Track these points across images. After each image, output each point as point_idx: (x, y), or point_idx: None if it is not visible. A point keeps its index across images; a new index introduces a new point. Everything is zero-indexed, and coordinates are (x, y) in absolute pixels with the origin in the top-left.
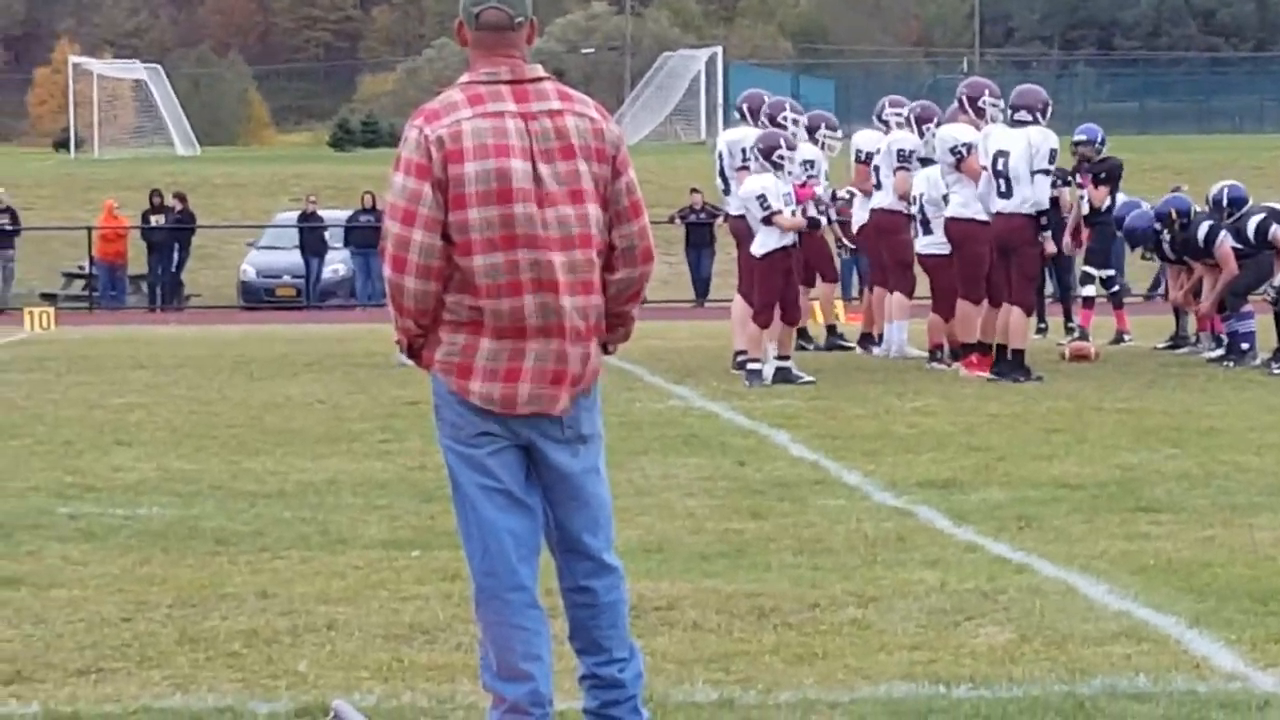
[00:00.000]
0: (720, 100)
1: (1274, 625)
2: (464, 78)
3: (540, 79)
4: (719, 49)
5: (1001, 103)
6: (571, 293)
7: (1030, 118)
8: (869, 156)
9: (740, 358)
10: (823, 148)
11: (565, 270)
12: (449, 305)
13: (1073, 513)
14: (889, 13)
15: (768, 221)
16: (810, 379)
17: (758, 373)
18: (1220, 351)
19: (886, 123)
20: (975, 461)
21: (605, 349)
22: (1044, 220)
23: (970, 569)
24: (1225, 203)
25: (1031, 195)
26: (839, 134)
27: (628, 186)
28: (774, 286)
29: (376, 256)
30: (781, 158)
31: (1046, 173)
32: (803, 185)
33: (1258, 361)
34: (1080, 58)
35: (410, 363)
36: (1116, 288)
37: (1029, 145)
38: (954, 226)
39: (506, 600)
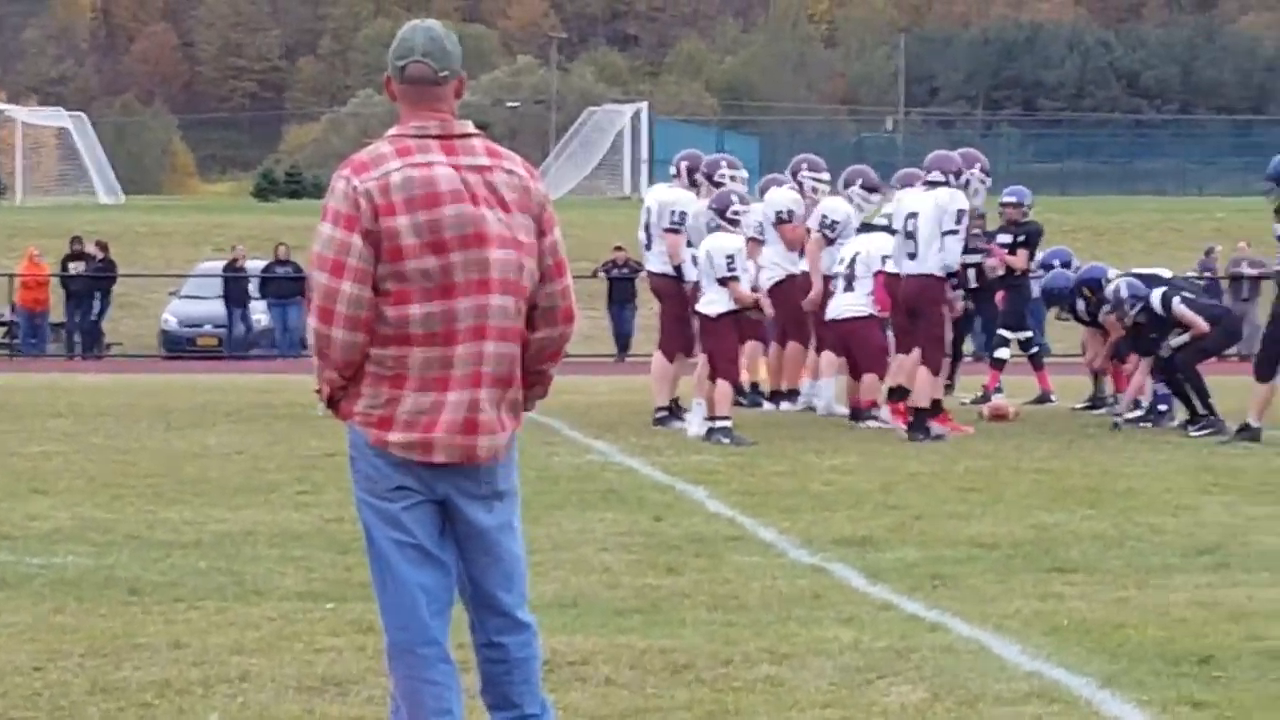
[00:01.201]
0: (645, 155)
1: (1186, 687)
2: (392, 130)
3: (469, 134)
4: (644, 104)
5: (825, 175)
6: (503, 339)
7: (943, 179)
8: (790, 215)
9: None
10: (804, 190)
11: (496, 316)
12: (373, 357)
13: (987, 572)
14: (814, 70)
15: (724, 283)
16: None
17: (727, 430)
18: (1140, 412)
19: (801, 184)
20: (891, 520)
21: (524, 405)
22: (953, 281)
23: (884, 627)
24: (1125, 295)
25: (939, 258)
26: (823, 176)
27: (552, 246)
28: (732, 343)
29: (293, 307)
30: (736, 213)
31: (955, 234)
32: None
33: (1175, 423)
34: (1005, 118)
35: (329, 413)
36: (1035, 349)
37: (937, 207)
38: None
39: (418, 655)
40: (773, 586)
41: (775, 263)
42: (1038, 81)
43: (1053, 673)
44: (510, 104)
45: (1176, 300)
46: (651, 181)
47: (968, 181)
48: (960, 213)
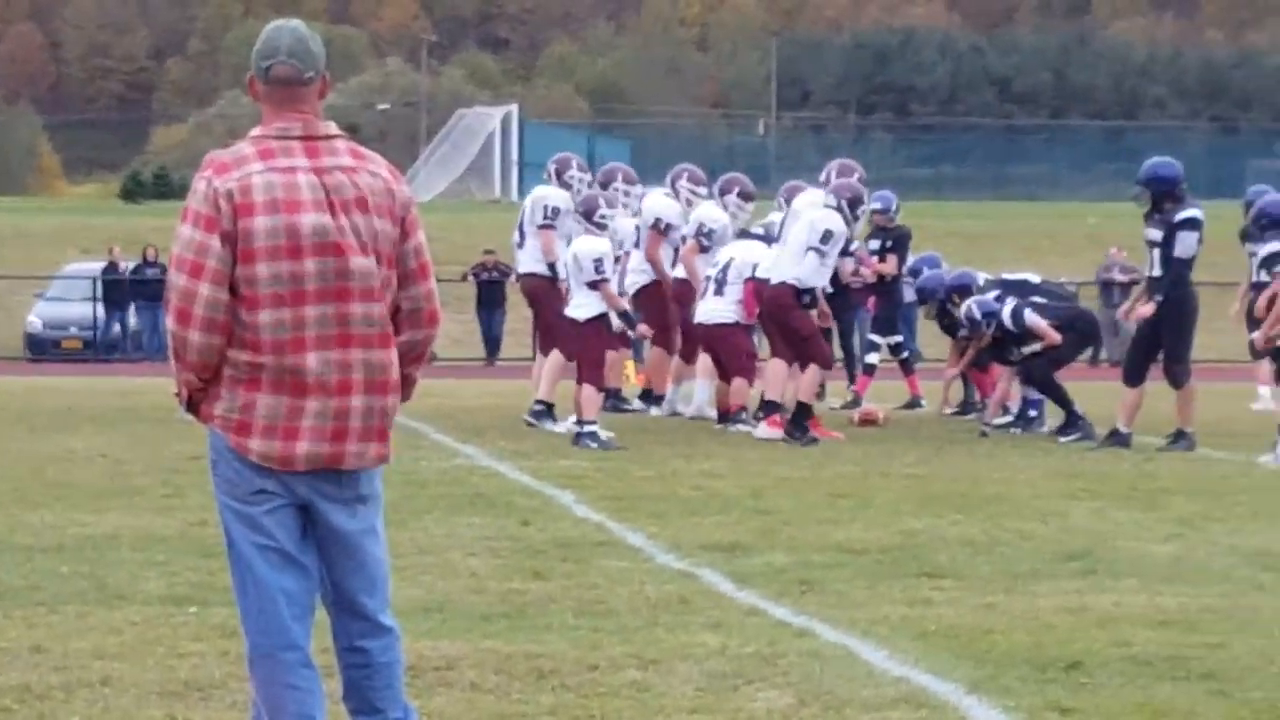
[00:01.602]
0: (515, 158)
1: (1052, 693)
2: (255, 131)
3: (333, 136)
4: (514, 107)
5: (703, 190)
6: (368, 346)
7: (834, 203)
8: (668, 226)
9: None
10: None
11: (359, 324)
12: (230, 360)
13: (855, 578)
14: (686, 74)
15: (594, 286)
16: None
17: (594, 434)
18: (1009, 418)
19: (678, 192)
20: (760, 525)
21: None
22: (805, 298)
23: (751, 632)
24: (978, 316)
25: (799, 271)
26: (701, 190)
27: (416, 249)
28: (600, 346)
29: (160, 309)
30: (604, 217)
31: (819, 253)
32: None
33: (1045, 429)
34: (877, 123)
35: (191, 417)
36: (906, 354)
37: (810, 224)
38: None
39: (279, 659)
40: (640, 592)
41: (640, 268)
42: (910, 86)
43: (920, 678)
44: (380, 106)
45: (1028, 312)
46: (522, 184)
47: (856, 217)
48: (828, 232)
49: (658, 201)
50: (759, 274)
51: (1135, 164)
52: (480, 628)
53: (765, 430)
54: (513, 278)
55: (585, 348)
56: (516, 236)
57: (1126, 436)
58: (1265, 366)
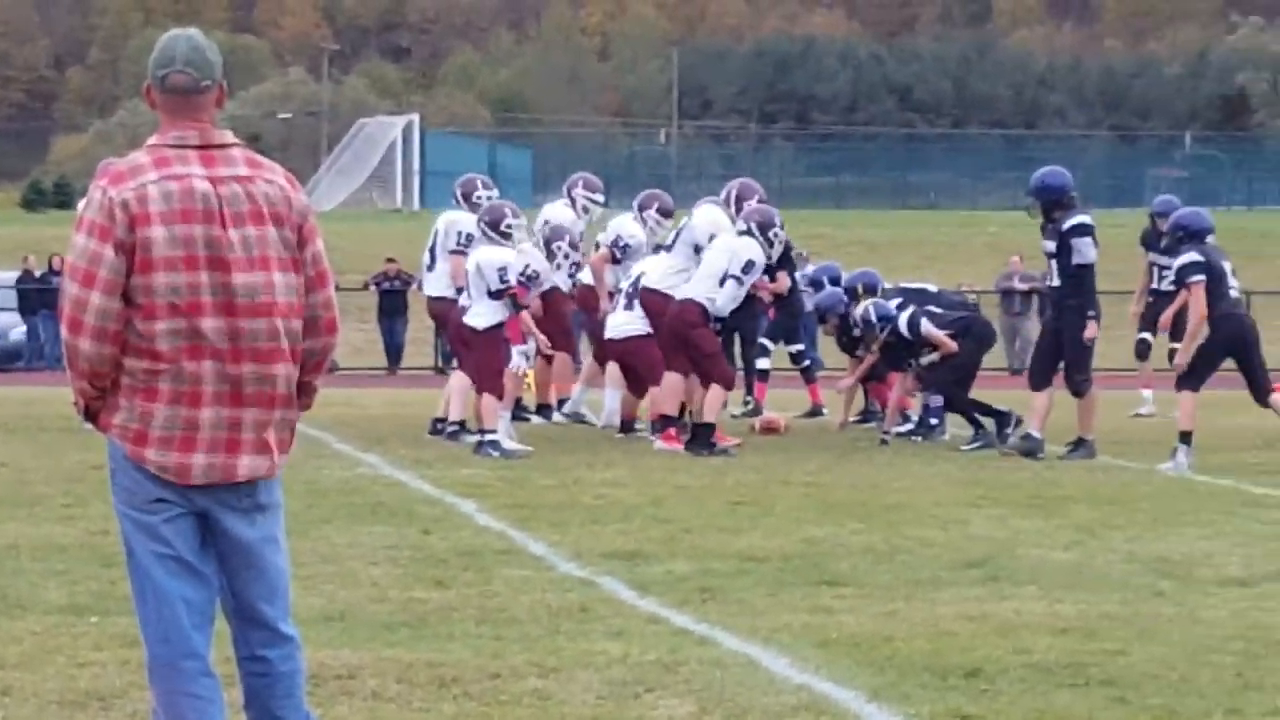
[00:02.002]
0: (417, 168)
1: (953, 700)
2: (151, 140)
3: (229, 145)
4: (415, 116)
5: (599, 196)
6: (259, 360)
7: (753, 231)
8: (625, 247)
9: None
10: (577, 209)
11: (255, 337)
12: (128, 369)
13: (757, 586)
14: (588, 83)
15: (496, 296)
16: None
17: (495, 443)
18: (910, 425)
19: (574, 200)
20: (661, 533)
21: None
22: (716, 325)
23: (652, 641)
24: (874, 319)
25: (712, 292)
26: (598, 197)
27: (314, 256)
28: (498, 357)
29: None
30: (509, 227)
31: (739, 281)
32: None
33: (946, 437)
34: (778, 131)
35: (90, 426)
36: (807, 362)
37: (730, 252)
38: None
39: (179, 668)
40: (541, 600)
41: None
42: (811, 95)
43: (821, 685)
44: (282, 116)
45: (924, 322)
46: (424, 194)
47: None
48: (749, 262)
49: (553, 211)
50: (646, 283)
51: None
52: (382, 636)
53: (662, 445)
54: (415, 285)
55: (484, 357)
56: (426, 258)
57: (1040, 442)
58: (1149, 368)
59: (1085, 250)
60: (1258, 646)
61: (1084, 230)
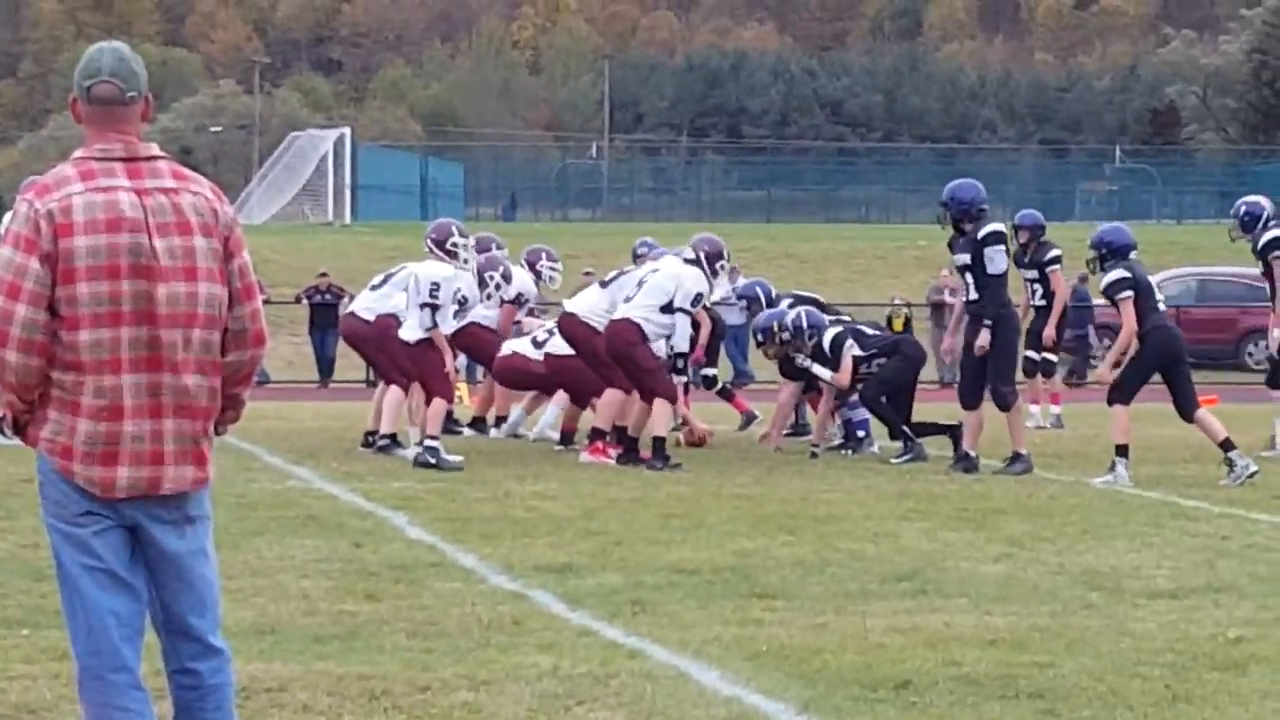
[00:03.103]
0: (349, 181)
1: (883, 712)
2: (78, 152)
3: (155, 157)
4: (347, 130)
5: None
6: (179, 371)
7: (701, 261)
8: (526, 300)
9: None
10: (541, 279)
11: (175, 348)
12: (55, 381)
13: (687, 598)
14: (519, 97)
15: (424, 307)
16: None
17: (434, 450)
18: (839, 439)
19: (539, 273)
20: (592, 546)
21: (216, 430)
22: (676, 361)
23: (583, 653)
24: (804, 325)
25: (650, 314)
26: (558, 266)
27: (241, 269)
28: (437, 359)
29: None
30: (455, 245)
31: (688, 314)
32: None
33: (875, 449)
34: (709, 145)
35: (18, 440)
36: (720, 385)
37: (679, 284)
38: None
39: (109, 681)
40: (472, 613)
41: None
42: (742, 109)
43: (751, 698)
44: (213, 129)
45: (848, 344)
46: (355, 208)
47: (716, 271)
48: (699, 296)
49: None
50: (570, 308)
51: None
52: (312, 649)
53: (588, 457)
54: (345, 299)
55: (425, 365)
56: (379, 279)
57: (974, 460)
58: (1039, 383)
59: (998, 260)
60: (1186, 659)
61: (998, 238)
